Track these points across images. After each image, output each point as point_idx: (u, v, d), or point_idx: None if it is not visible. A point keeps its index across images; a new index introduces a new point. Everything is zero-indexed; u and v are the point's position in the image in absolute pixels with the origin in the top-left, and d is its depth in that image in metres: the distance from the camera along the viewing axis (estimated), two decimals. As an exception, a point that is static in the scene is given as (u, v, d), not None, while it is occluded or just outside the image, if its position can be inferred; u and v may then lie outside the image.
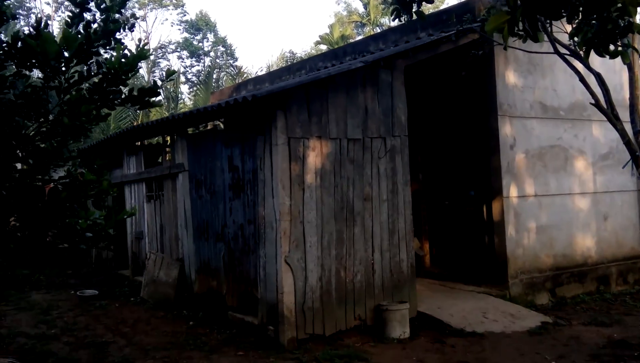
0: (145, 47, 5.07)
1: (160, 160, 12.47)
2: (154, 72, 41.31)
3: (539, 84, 11.58)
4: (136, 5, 44.70)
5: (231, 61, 42.92)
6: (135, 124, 19.19)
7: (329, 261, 8.71)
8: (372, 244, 9.18)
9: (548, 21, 8.98)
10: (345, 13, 42.86)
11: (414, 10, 8.14)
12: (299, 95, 8.56)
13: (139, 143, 13.95)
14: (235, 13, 77.16)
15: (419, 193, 12.73)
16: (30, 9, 41.50)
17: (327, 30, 36.55)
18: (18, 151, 4.97)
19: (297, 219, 8.44)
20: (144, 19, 43.96)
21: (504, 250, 10.73)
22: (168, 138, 12.81)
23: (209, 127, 14.14)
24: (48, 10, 41.24)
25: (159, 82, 5.61)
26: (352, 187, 9.02)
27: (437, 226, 12.88)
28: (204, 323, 9.94)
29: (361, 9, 39.42)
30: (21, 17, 38.20)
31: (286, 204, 8.33)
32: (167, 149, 12.91)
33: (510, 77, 11.17)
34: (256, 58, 77.36)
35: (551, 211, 11.52)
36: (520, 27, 6.28)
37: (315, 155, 8.65)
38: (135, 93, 5.27)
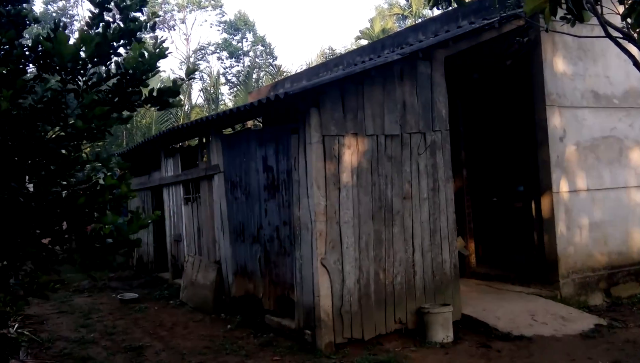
0: (164, 46, 5.00)
1: (197, 162, 12.59)
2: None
3: (590, 71, 11.18)
4: (175, 7, 45.51)
5: (270, 60, 42.97)
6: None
7: (367, 262, 8.56)
8: (413, 244, 9.00)
9: (598, 1, 8.59)
10: (386, 6, 42.06)
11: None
12: (333, 91, 8.42)
13: (177, 145, 14.10)
14: (274, 11, 76.04)
15: (463, 190, 12.43)
16: (73, 16, 42.50)
17: (368, 25, 36.07)
18: (37, 158, 4.96)
19: (333, 220, 8.32)
20: (183, 21, 44.52)
21: (554, 249, 10.40)
22: (205, 140, 12.89)
23: (249, 127, 14.30)
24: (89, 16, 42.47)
25: (179, 82, 5.54)
26: (391, 185, 8.86)
27: (483, 224, 12.57)
28: (241, 327, 9.93)
29: (402, 1, 38.78)
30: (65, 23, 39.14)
31: (321, 204, 8.22)
32: (205, 150, 12.92)
33: (558, 64, 10.81)
34: (296, 56, 77.12)
35: (605, 206, 11.13)
36: (564, 7, 6.01)
37: (351, 153, 8.51)
38: (154, 94, 5.21)
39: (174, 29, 45.06)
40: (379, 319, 8.62)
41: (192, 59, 41.46)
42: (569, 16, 9.21)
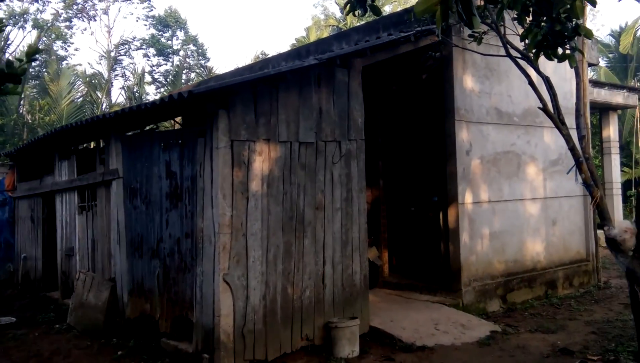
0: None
1: (95, 166, 9.39)
2: (115, 69, 33.68)
3: (495, 90, 9.58)
4: (97, -5, 35.43)
5: (202, 61, 36.41)
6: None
7: (275, 277, 6.54)
8: (324, 256, 7.03)
9: (501, 23, 7.45)
10: (322, 17, 36.50)
11: (368, 3, 6.17)
12: (244, 93, 6.35)
13: (74, 146, 10.77)
14: (209, 12, 63.97)
15: (379, 200, 10.54)
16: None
17: (304, 34, 31.62)
18: None
19: (240, 232, 6.25)
20: (105, 12, 34.56)
21: (458, 258, 8.72)
22: (105, 141, 9.36)
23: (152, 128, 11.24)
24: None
25: (16, 63, 3.42)
26: (303, 195, 6.87)
27: (398, 234, 10.61)
28: (133, 354, 7.27)
29: (338, 14, 33.39)
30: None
31: (227, 215, 6.13)
32: (104, 153, 9.27)
33: (467, 81, 9.15)
34: (230, 59, 66.32)
35: (504, 217, 9.55)
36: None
37: (262, 160, 6.47)
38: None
39: (95, 20, 34.42)
40: (285, 337, 6.62)
41: (113, 54, 33.33)
42: (476, 34, 7.86)
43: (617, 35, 26.12)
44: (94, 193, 9.13)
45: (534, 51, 6.27)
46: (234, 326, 6.15)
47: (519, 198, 9.86)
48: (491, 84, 9.53)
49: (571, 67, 6.59)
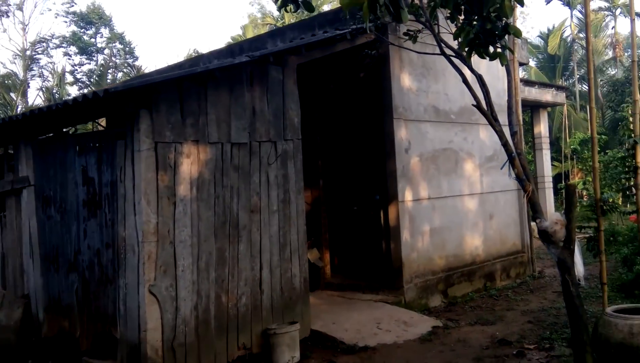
0: None
1: (4, 174, 8.18)
2: (31, 69, 30.23)
3: (432, 88, 9.11)
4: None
5: (130, 60, 32.80)
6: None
7: (208, 285, 5.82)
8: (260, 261, 6.35)
9: (435, 22, 6.97)
10: (259, 15, 33.97)
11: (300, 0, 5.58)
12: (169, 92, 5.60)
13: None
14: (137, 9, 58.26)
15: (320, 200, 9.83)
16: None
17: (240, 32, 29.68)
18: None
19: (166, 240, 5.50)
20: (20, 7, 30.68)
21: (400, 255, 8.18)
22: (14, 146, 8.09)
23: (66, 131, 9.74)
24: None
25: None
26: (237, 198, 6.17)
27: (341, 234, 9.92)
28: None
29: (275, 12, 31.09)
30: None
31: (151, 222, 5.37)
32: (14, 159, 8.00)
33: (405, 80, 8.63)
34: (161, 58, 60.66)
35: (443, 213, 9.09)
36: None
37: (190, 162, 5.74)
38: None
39: (7, 16, 30.33)
40: (220, 347, 5.91)
41: (29, 52, 29.82)
42: (411, 32, 7.43)
43: (545, 37, 26.40)
44: (3, 203, 7.97)
45: (466, 49, 6.09)
46: (163, 340, 5.40)
47: (457, 194, 9.44)
48: (428, 82, 9.06)
49: (502, 65, 6.35)
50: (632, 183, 10.04)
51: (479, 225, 9.82)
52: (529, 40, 27.72)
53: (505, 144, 6.58)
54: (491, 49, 6.04)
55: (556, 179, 20.41)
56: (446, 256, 9.02)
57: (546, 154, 15.73)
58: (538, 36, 27.64)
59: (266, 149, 6.50)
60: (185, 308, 5.61)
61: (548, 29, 26.35)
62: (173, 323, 5.50)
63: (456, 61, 6.91)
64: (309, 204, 9.45)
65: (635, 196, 8.91)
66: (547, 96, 15.28)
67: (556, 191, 19.08)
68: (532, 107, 15.78)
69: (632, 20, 9.46)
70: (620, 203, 15.17)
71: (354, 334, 6.74)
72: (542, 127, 15.71)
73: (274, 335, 6.13)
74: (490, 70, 9.41)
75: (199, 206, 5.80)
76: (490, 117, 6.76)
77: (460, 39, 5.98)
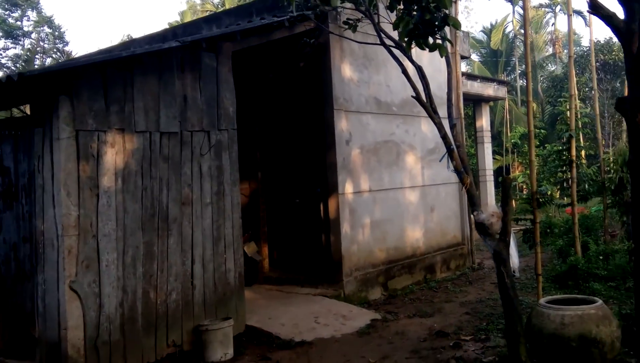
0: None
1: None
2: None
3: (373, 79, 9.08)
4: None
5: (60, 45, 31.15)
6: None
7: (134, 281, 5.57)
8: (192, 255, 6.14)
9: (375, 11, 7.00)
10: (198, 1, 32.79)
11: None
12: (92, 77, 5.31)
13: None
14: None
15: (258, 192, 9.67)
16: None
17: (178, 18, 28.64)
18: None
19: (89, 234, 5.23)
20: None
21: (339, 248, 8.13)
22: None
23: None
24: None
25: None
26: (167, 190, 5.93)
27: (281, 227, 9.76)
28: None
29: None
30: None
31: (72, 215, 5.09)
32: None
33: (346, 70, 8.57)
34: (94, 44, 58.35)
35: (384, 205, 9.11)
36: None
37: (115, 152, 5.47)
38: None
39: None
40: (148, 345, 5.67)
41: None
42: (350, 21, 7.37)
43: (488, 32, 26.97)
44: None
45: (406, 39, 6.09)
46: (85, 338, 5.14)
47: (398, 186, 9.48)
48: (370, 73, 9.02)
49: (441, 57, 6.36)
50: (567, 176, 10.39)
51: (420, 218, 9.91)
52: (472, 35, 28.27)
53: (444, 137, 6.61)
54: (431, 40, 6.09)
55: (498, 172, 20.89)
56: (387, 249, 9.04)
57: (487, 148, 16.06)
58: (481, 31, 28.30)
59: (199, 139, 6.29)
60: (110, 305, 5.36)
61: (491, 24, 27.02)
62: (96, 320, 5.24)
63: (397, 52, 6.91)
64: (247, 197, 9.29)
65: (570, 189, 9.22)
66: (489, 90, 15.57)
67: (497, 184, 19.50)
68: (475, 101, 16.05)
69: (570, 16, 9.74)
70: (557, 196, 15.64)
71: (290, 329, 6.64)
72: (484, 121, 16.01)
73: (206, 331, 5.96)
74: (433, 62, 9.47)
75: (124, 199, 5.55)
76: (430, 109, 6.78)
77: (399, 29, 6.01)
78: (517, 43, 27.07)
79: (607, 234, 10.83)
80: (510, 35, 26.65)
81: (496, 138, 22.31)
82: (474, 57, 28.30)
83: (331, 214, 8.26)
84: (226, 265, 6.50)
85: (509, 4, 26.19)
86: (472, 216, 6.59)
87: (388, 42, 7.04)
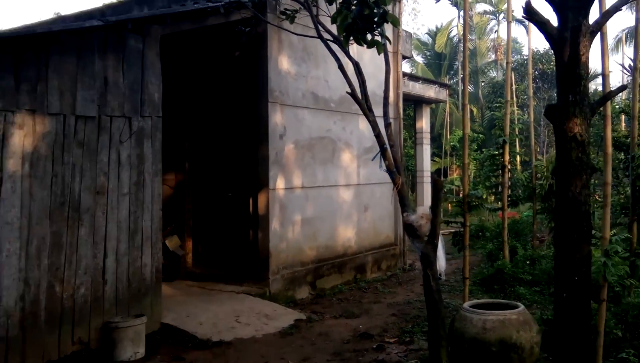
0: None
1: None
2: None
3: (312, 74, 8.96)
4: None
5: None
6: None
7: (38, 273, 5.22)
8: (105, 248, 5.82)
9: (314, 3, 6.98)
10: None
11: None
12: (0, 53, 4.97)
13: None
14: None
15: (185, 184, 9.32)
16: None
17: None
18: None
19: (-12, 221, 4.90)
20: None
21: (267, 245, 7.98)
22: None
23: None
24: None
25: None
26: (80, 177, 5.59)
27: (210, 221, 9.47)
28: None
29: None
30: None
31: (-31, 200, 4.76)
32: None
33: (283, 63, 8.41)
34: (21, 21, 55.37)
35: (317, 203, 9.02)
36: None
37: (23, 134, 5.09)
38: None
39: None
40: (51, 342, 5.33)
41: None
42: (288, 12, 7.25)
43: (433, 35, 27.39)
44: None
45: (344, 34, 6.01)
46: (-23, 335, 4.80)
47: (333, 184, 9.40)
48: (308, 67, 8.89)
49: (379, 54, 6.35)
50: (500, 181, 10.61)
51: (353, 216, 9.87)
52: (418, 37, 28.67)
53: (377, 136, 6.57)
54: (369, 36, 6.06)
55: (436, 174, 21.25)
56: (317, 247, 8.96)
57: (426, 149, 16.24)
58: (426, 33, 28.74)
59: (119, 125, 5.98)
60: (9, 299, 5.01)
61: (436, 27, 27.46)
62: (-8, 316, 4.88)
63: (336, 47, 6.81)
64: (172, 188, 8.99)
65: (501, 193, 9.40)
66: (430, 92, 15.73)
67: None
68: (416, 102, 16.19)
69: (509, 23, 9.92)
70: (492, 200, 16.01)
71: (209, 328, 6.44)
72: (424, 123, 16.17)
73: (115, 329, 5.68)
74: (374, 60, 9.38)
75: (32, 185, 5.20)
76: (365, 106, 6.74)
77: (337, 23, 5.93)
78: (462, 47, 27.62)
79: (536, 239, 11.13)
80: (455, 39, 27.18)
81: (436, 140, 22.69)
82: (419, 59, 28.75)
83: (260, 210, 8.09)
84: (142, 259, 6.22)
85: (454, 8, 26.75)
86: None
87: (326, 36, 6.96)
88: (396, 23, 6.09)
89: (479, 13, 27.41)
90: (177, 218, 8.90)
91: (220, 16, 7.27)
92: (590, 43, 4.83)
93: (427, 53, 27.99)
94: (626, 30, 24.80)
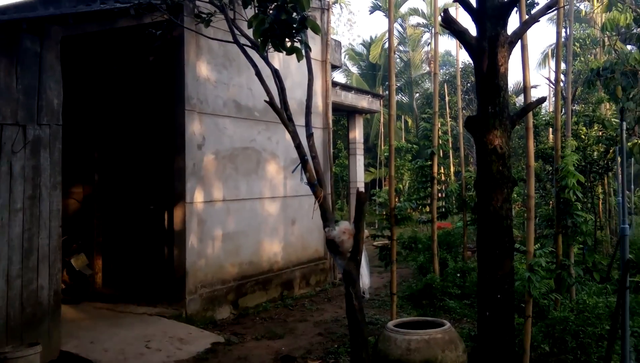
0: None
1: None
2: None
3: (234, 81, 8.69)
4: None
5: None
6: None
7: None
8: (-7, 270, 5.37)
9: (231, 7, 6.84)
10: None
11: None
12: None
13: None
14: None
15: (93, 198, 8.77)
16: None
17: None
18: None
19: None
20: None
21: (183, 263, 7.59)
22: None
23: None
24: None
25: None
26: (-37, 192, 5.15)
27: (120, 237, 8.93)
28: None
29: None
30: None
31: None
32: None
33: (202, 69, 8.09)
34: None
35: (240, 216, 8.72)
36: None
37: None
38: None
39: None
40: None
41: None
42: (203, 15, 7.00)
43: (368, 46, 27.66)
44: None
45: (260, 39, 5.78)
46: None
47: (257, 196, 9.13)
48: (230, 74, 8.62)
49: (298, 61, 6.12)
50: (428, 192, 10.63)
51: (280, 230, 9.63)
52: (353, 48, 28.92)
53: (298, 146, 6.39)
54: (289, 43, 5.87)
55: (372, 185, 21.36)
56: (240, 264, 8.64)
57: (360, 160, 16.23)
58: (361, 44, 29.01)
59: (10, 134, 5.51)
60: None
61: (371, 38, 27.77)
62: None
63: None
64: (79, 202, 8.48)
65: (431, 205, 9.39)
66: (363, 102, 15.75)
67: (370, 197, 19.92)
68: (349, 113, 16.19)
69: (436, 34, 9.99)
70: (427, 210, 16.15)
71: (114, 355, 6.01)
72: (357, 133, 16.18)
73: (4, 360, 5.17)
74: (302, 69, 9.25)
75: None
76: (284, 116, 6.56)
77: (253, 28, 5.73)
78: (396, 59, 28.05)
79: (467, 250, 11.24)
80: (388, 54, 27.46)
81: (372, 151, 22.83)
82: (354, 69, 28.96)
83: (176, 225, 7.70)
84: (38, 281, 5.73)
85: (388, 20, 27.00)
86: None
87: (245, 41, 6.73)
88: (317, 29, 5.90)
89: (412, 25, 27.92)
90: (85, 235, 8.36)
91: (131, 18, 6.90)
92: (509, 54, 4.78)
93: (362, 64, 28.24)
94: (552, 46, 25.85)
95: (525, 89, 6.07)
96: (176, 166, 7.78)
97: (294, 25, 5.82)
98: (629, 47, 12.74)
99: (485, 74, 4.69)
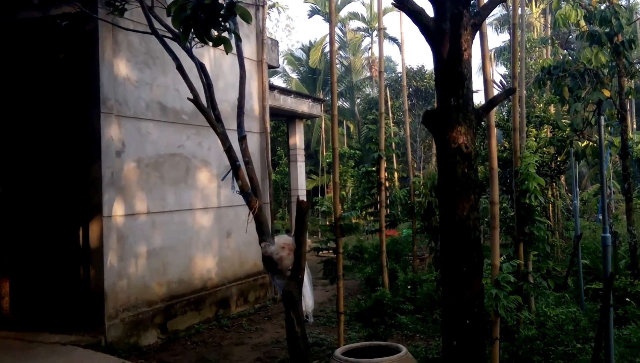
0: None
1: None
2: None
3: (158, 81, 7.99)
4: None
5: None
6: None
7: None
8: None
9: None
10: None
11: None
12: None
13: None
14: None
15: None
16: None
17: None
18: None
19: None
20: None
21: (102, 284, 6.79)
22: None
23: None
24: None
25: None
26: None
27: (29, 257, 7.97)
28: None
29: None
30: None
31: None
32: None
33: (121, 67, 7.35)
34: None
35: (167, 230, 7.98)
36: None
37: None
38: None
39: None
40: None
41: None
42: (117, 3, 6.33)
43: (307, 50, 27.35)
44: None
45: (181, 28, 5.20)
46: None
47: (187, 207, 8.44)
48: (153, 73, 7.92)
49: (227, 53, 5.70)
50: (376, 199, 10.21)
51: (214, 244, 8.96)
52: (292, 52, 28.53)
53: (228, 150, 5.84)
54: (215, 33, 5.35)
55: (314, 192, 20.89)
56: (168, 283, 7.92)
57: (301, 166, 15.75)
58: (300, 49, 28.66)
59: None
60: None
61: (310, 43, 27.47)
62: None
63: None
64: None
65: (379, 213, 8.93)
66: (304, 106, 15.28)
67: (312, 205, 19.42)
68: (289, 118, 15.72)
69: (380, 30, 9.56)
70: (371, 219, 15.77)
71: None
72: (298, 139, 15.71)
73: None
74: (235, 69, 8.64)
75: None
76: (211, 115, 6.00)
77: (172, 15, 5.16)
78: (337, 64, 27.86)
79: (417, 259, 10.89)
80: (329, 55, 27.31)
81: (313, 157, 22.39)
82: (293, 75, 28.55)
83: (92, 242, 6.91)
84: None
85: (328, 24, 26.91)
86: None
87: (163, 31, 6.12)
88: (247, 17, 5.37)
89: (352, 30, 27.77)
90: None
91: (35, 10, 6.15)
92: (473, 38, 4.14)
93: (302, 68, 27.85)
94: (492, 50, 26.24)
95: (485, 82, 5.66)
96: (92, 175, 6.99)
97: (221, 12, 5.28)
98: (565, 51, 12.87)
99: (446, 61, 4.01)
